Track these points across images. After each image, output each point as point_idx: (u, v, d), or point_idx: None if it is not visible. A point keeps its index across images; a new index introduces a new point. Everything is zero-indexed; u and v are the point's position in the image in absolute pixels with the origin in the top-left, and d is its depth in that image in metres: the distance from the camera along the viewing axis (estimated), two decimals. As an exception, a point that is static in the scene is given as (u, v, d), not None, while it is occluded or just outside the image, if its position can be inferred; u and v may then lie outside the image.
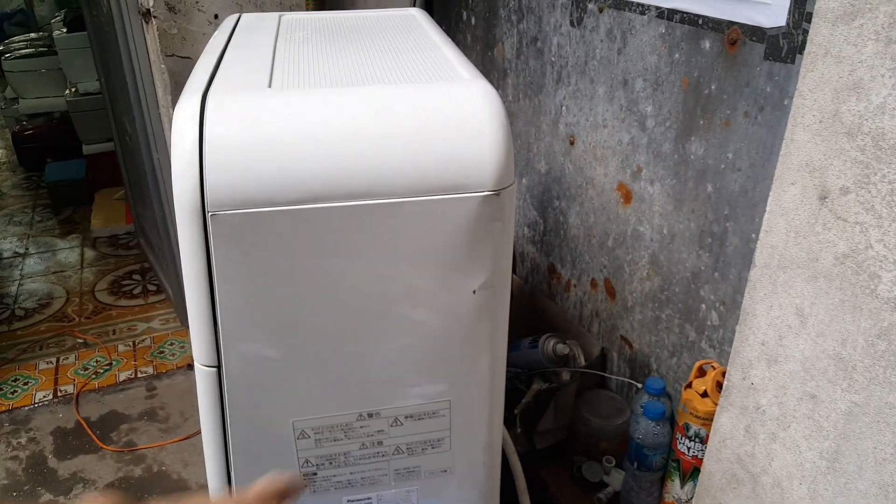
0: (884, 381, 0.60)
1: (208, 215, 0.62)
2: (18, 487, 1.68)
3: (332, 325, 0.70)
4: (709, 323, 1.06)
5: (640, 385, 1.24)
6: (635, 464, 1.12)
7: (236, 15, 1.01)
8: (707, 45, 0.97)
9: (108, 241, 2.91)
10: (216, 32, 0.93)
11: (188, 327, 2.25)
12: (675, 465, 1.08)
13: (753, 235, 0.94)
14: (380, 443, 0.78)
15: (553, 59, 1.37)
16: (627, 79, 1.16)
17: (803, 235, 0.66)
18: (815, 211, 0.64)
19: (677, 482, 1.09)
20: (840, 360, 0.64)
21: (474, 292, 0.71)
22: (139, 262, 2.73)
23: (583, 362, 1.29)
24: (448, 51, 0.85)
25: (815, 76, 0.61)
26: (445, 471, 0.82)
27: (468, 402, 0.78)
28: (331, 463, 0.79)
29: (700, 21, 0.98)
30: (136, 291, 2.53)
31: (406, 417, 0.77)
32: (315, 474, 0.79)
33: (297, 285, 0.67)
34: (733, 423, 0.79)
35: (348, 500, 0.82)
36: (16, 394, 1.99)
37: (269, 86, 0.68)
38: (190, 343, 2.13)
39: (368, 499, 0.82)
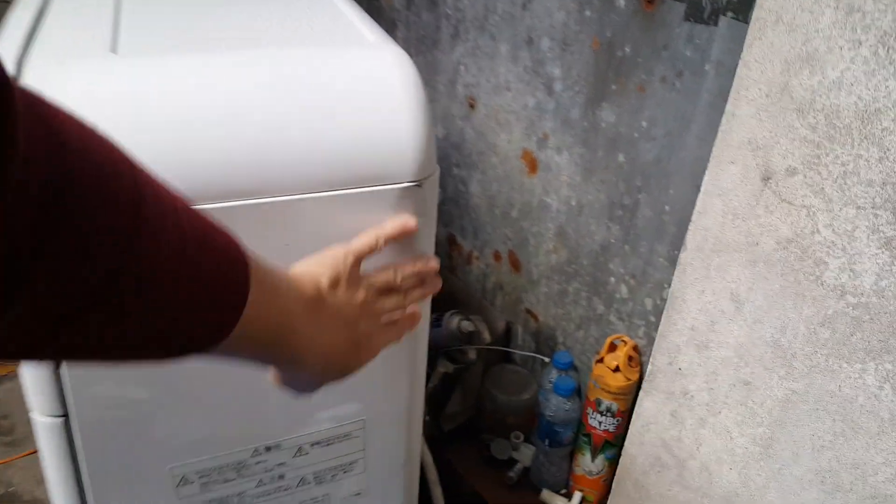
0: (825, 369, 0.58)
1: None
2: None
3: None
4: (618, 296, 1.03)
5: (546, 359, 1.21)
6: (546, 441, 1.10)
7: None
8: (622, 2, 0.91)
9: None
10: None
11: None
12: (585, 439, 1.07)
13: (667, 207, 0.91)
14: (281, 476, 0.68)
15: (449, 11, 1.27)
16: (533, 37, 1.09)
17: (742, 218, 0.62)
18: (757, 192, 0.60)
19: (588, 456, 1.08)
20: (778, 347, 0.62)
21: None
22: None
23: (488, 338, 1.24)
24: (345, 6, 0.73)
25: (763, 45, 0.57)
26: (359, 493, 0.74)
27: (385, 419, 0.69)
28: (223, 504, 0.67)
29: (612, -23, 0.92)
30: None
31: (312, 445, 0.67)
32: (205, 517, 0.67)
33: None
34: (658, 408, 0.77)
35: (248, 537, 0.72)
36: None
37: (114, 51, 0.53)
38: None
39: (271, 531, 0.72)
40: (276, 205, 0.52)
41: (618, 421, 1.02)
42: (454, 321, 1.22)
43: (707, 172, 0.64)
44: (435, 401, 1.20)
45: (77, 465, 0.59)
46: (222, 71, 0.52)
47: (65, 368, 0.53)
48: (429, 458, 1.03)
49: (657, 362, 0.75)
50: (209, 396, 0.60)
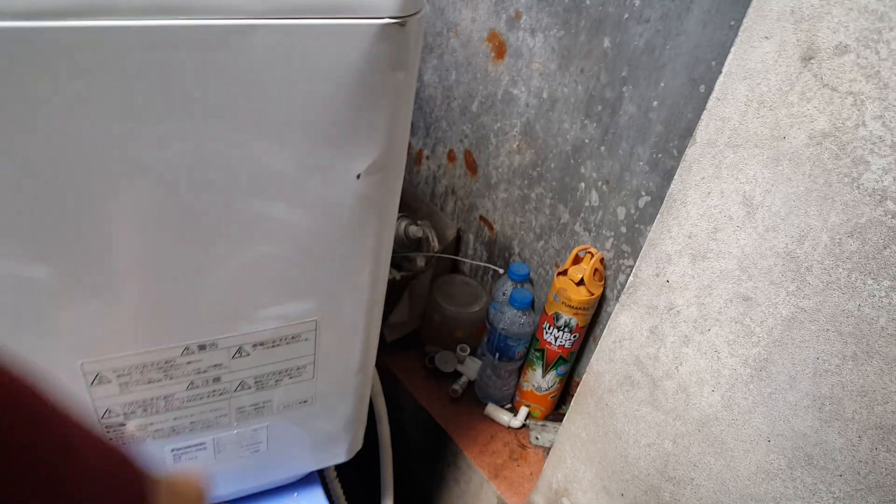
0: (846, 285, 0.51)
1: None
2: None
3: (137, 228, 0.45)
4: (587, 204, 0.95)
5: (500, 270, 1.13)
6: (496, 354, 1.03)
7: None
8: None
9: None
10: None
11: None
12: (538, 354, 1.00)
13: (655, 104, 0.81)
14: (217, 379, 0.57)
15: None
16: None
17: (770, 106, 0.53)
18: (794, 75, 0.51)
19: (539, 371, 1.02)
20: (791, 259, 0.54)
21: (358, 177, 0.49)
22: None
23: (437, 246, 1.14)
24: None
25: None
26: (306, 401, 0.64)
27: (341, 321, 0.59)
28: (145, 410, 0.56)
29: None
30: None
31: (255, 346, 0.56)
32: (123, 425, 0.56)
33: (71, 158, 0.40)
34: (635, 323, 0.70)
35: (173, 449, 0.61)
36: None
37: None
38: None
39: (202, 444, 0.62)
40: (218, 30, 0.39)
41: (575, 337, 0.96)
42: (401, 225, 1.12)
43: (732, 50, 0.54)
44: (378, 309, 1.11)
45: None
46: None
47: None
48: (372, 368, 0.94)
49: (641, 273, 0.67)
50: (127, 281, 0.48)
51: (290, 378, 0.60)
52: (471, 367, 1.13)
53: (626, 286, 0.70)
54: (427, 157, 1.23)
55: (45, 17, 0.35)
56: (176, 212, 0.45)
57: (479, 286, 1.16)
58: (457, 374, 1.13)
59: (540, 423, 1.08)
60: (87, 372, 0.51)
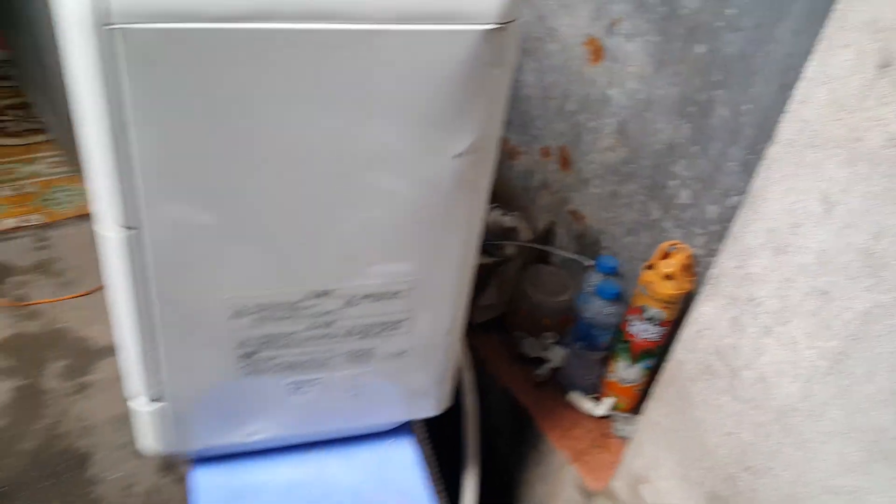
0: (921, 281, 0.54)
1: (111, 30, 0.43)
2: None
3: (279, 188, 0.55)
4: (677, 201, 0.98)
5: (589, 262, 1.17)
6: (581, 343, 1.08)
7: None
8: None
9: (-31, 71, 2.47)
10: None
11: (80, 172, 1.97)
12: (623, 346, 1.04)
13: (746, 107, 0.84)
14: (330, 324, 0.67)
15: None
16: None
17: (848, 110, 0.56)
18: (871, 81, 0.54)
19: (624, 363, 1.06)
20: (869, 255, 0.57)
21: (457, 157, 0.57)
22: (17, 95, 2.34)
23: (528, 236, 1.20)
24: None
25: None
26: (402, 353, 0.73)
27: (435, 283, 0.67)
28: (272, 344, 0.67)
29: None
30: (15, 129, 2.19)
31: (362, 298, 0.66)
32: (254, 355, 0.67)
33: (235, 131, 0.51)
34: (718, 314, 0.73)
35: (291, 382, 0.71)
36: None
37: None
38: (83, 190, 1.88)
39: (314, 380, 0.72)
40: (351, 34, 0.48)
41: (662, 331, 1.00)
42: (494, 215, 1.19)
43: (814, 57, 0.57)
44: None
45: (143, 280, 0.59)
46: None
47: (139, 181, 0.51)
48: (463, 343, 1.02)
49: (724, 266, 0.71)
50: (272, 232, 0.59)
51: (389, 330, 0.69)
52: (556, 355, 1.18)
53: (709, 277, 0.73)
54: (522, 154, 1.29)
55: (236, 20, 0.45)
56: (313, 177, 0.55)
57: (568, 277, 1.21)
58: (541, 361, 1.19)
59: (624, 414, 1.12)
60: (230, 306, 0.62)
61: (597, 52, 1.05)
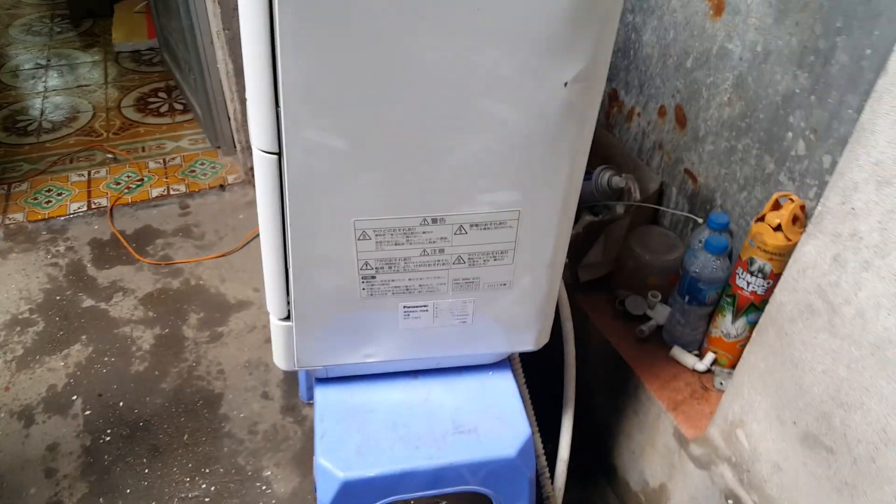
0: None
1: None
2: (61, 292, 1.72)
3: (405, 114, 0.62)
4: (793, 153, 0.97)
5: (699, 220, 1.18)
6: (686, 298, 1.09)
7: None
8: None
9: (130, 57, 2.79)
10: None
11: (218, 147, 2.18)
12: (729, 300, 1.05)
13: (868, 52, 0.82)
14: (441, 250, 0.74)
15: None
16: None
17: (963, 31, 0.55)
18: None
19: (729, 317, 1.06)
20: (979, 178, 0.56)
21: (566, 85, 0.62)
22: (164, 79, 2.62)
23: (638, 197, 1.22)
24: None
25: None
26: (505, 284, 0.79)
27: (538, 215, 0.73)
28: (390, 267, 0.75)
29: None
30: (162, 109, 2.45)
31: (471, 226, 0.72)
32: (374, 277, 0.76)
33: (369, 60, 0.58)
34: (819, 252, 0.74)
35: (405, 307, 0.80)
36: (50, 203, 1.98)
37: None
38: (221, 165, 2.08)
39: (425, 306, 0.80)
40: None
41: (768, 284, 0.99)
42: (605, 176, 1.21)
43: (929, -19, 0.57)
44: (575, 247, 1.22)
45: (283, 203, 0.68)
46: None
47: (282, 109, 0.60)
48: (564, 295, 1.06)
49: (829, 203, 0.71)
50: (394, 158, 0.66)
51: (495, 260, 0.75)
52: (660, 313, 1.19)
53: (814, 216, 0.74)
54: (638, 115, 1.31)
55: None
56: (431, 103, 0.62)
57: (677, 238, 1.22)
58: (645, 318, 1.21)
59: (726, 370, 1.12)
60: (357, 228, 0.71)
61: (718, 5, 1.06)
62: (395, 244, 0.73)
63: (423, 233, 0.72)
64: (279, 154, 0.64)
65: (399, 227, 0.72)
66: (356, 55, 0.58)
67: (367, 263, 0.74)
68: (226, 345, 1.59)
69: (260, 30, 0.56)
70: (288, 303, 0.78)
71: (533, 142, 0.66)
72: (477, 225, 0.72)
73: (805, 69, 0.92)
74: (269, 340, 1.64)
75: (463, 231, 0.73)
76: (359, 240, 0.72)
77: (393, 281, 0.76)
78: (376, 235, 0.72)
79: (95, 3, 3.03)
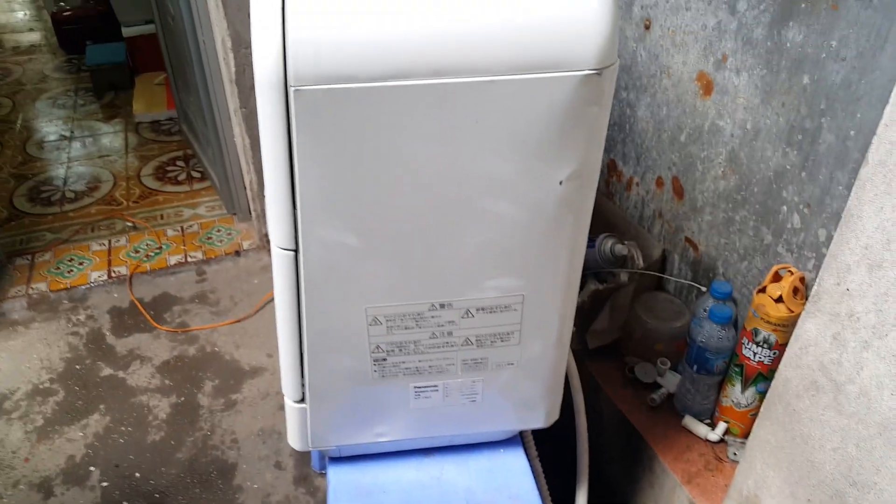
0: None
1: (290, 90, 0.57)
2: (80, 361, 1.75)
3: (412, 213, 0.66)
4: (789, 226, 1.00)
5: (703, 288, 1.20)
6: (695, 367, 1.11)
7: None
8: (819, -86, 0.86)
9: (150, 127, 2.89)
10: None
11: (234, 214, 2.25)
12: (737, 369, 1.06)
13: (852, 133, 0.86)
14: (450, 333, 0.77)
15: (632, -68, 1.24)
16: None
17: (936, 130, 0.59)
18: (956, 101, 0.57)
19: (738, 386, 1.07)
20: (961, 267, 0.59)
21: (561, 183, 0.66)
22: (182, 148, 2.72)
23: (641, 264, 1.25)
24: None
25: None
26: (512, 364, 0.81)
27: (542, 297, 0.76)
28: (401, 350, 0.78)
29: None
30: (180, 178, 2.54)
31: (478, 310, 0.75)
32: (385, 360, 0.79)
33: (379, 167, 0.63)
34: (819, 330, 0.76)
35: (415, 387, 0.82)
36: (72, 273, 2.04)
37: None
38: (237, 231, 2.14)
39: (435, 386, 0.82)
40: (472, 84, 0.59)
41: (774, 354, 1.01)
42: (608, 244, 1.24)
43: (901, 82, 0.61)
44: (582, 316, 1.25)
45: (299, 294, 0.72)
46: None
47: (299, 211, 0.65)
48: (573, 365, 1.08)
49: (824, 283, 0.74)
50: (403, 250, 0.70)
51: (502, 341, 0.78)
52: (670, 381, 1.21)
53: (811, 295, 0.76)
54: (637, 184, 1.35)
55: (381, 80, 0.58)
56: (436, 203, 0.66)
57: (682, 304, 1.25)
58: (656, 386, 1.22)
59: (739, 440, 1.13)
60: (368, 315, 0.74)
61: (707, 86, 1.11)
62: (406, 328, 0.76)
63: (432, 317, 0.75)
64: (296, 250, 0.68)
65: (409, 313, 0.75)
66: (366, 163, 0.62)
67: (378, 347, 0.77)
68: (240, 413, 1.62)
69: (279, 146, 0.61)
70: (302, 385, 0.81)
71: (533, 233, 0.70)
72: (483, 308, 0.76)
73: (794, 147, 0.96)
74: (282, 408, 1.66)
75: (470, 315, 0.76)
76: (370, 325, 0.75)
77: (403, 363, 0.79)
78: (387, 321, 0.75)
79: (117, 76, 3.17)
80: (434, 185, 0.65)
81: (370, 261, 0.70)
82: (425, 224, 0.68)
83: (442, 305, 0.75)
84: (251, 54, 1.63)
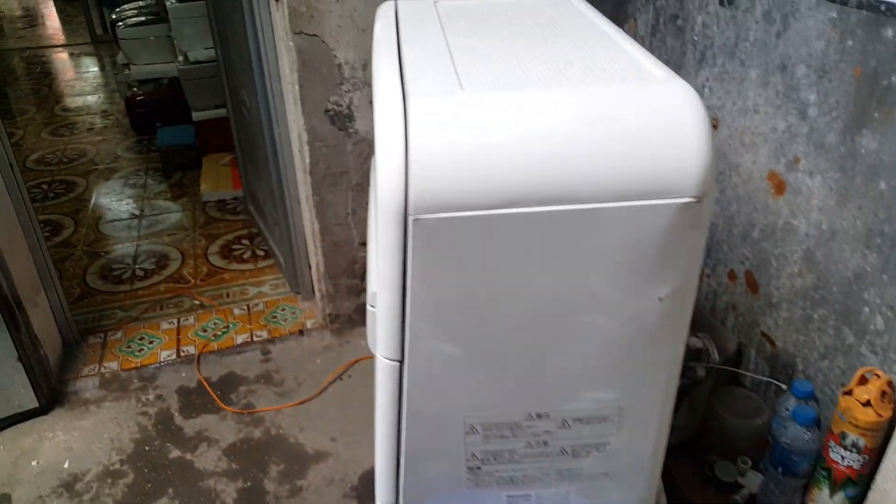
0: None
1: (410, 219, 0.62)
2: (149, 442, 1.79)
3: (516, 328, 0.70)
4: (872, 328, 1.00)
5: (783, 386, 1.19)
6: (779, 468, 1.09)
7: (388, 4, 0.99)
8: (890, 33, 0.89)
9: (216, 206, 3.03)
10: (377, 24, 0.92)
11: (298, 293, 2.30)
12: (824, 473, 1.04)
13: (939, 240, 0.87)
14: (545, 443, 0.79)
15: (696, 38, 1.30)
16: (787, 64, 1.09)
17: None
18: None
19: (826, 491, 1.05)
20: None
21: (660, 300, 0.68)
22: (247, 226, 2.83)
23: (717, 358, 1.25)
24: (625, 42, 0.81)
25: None
26: (607, 474, 0.82)
27: (639, 409, 0.77)
28: (496, 459, 0.79)
29: (883, 7, 0.90)
30: (245, 256, 2.63)
31: (574, 420, 0.77)
32: (480, 468, 0.80)
33: (486, 286, 0.66)
34: (921, 445, 0.75)
35: (508, 496, 0.83)
36: (143, 352, 2.11)
37: (461, 88, 0.67)
38: (300, 310, 2.18)
39: (528, 495, 0.83)
40: (581, 212, 0.63)
41: (864, 459, 0.99)
42: (683, 337, 1.25)
43: None
44: (661, 412, 1.24)
45: (401, 401, 0.75)
46: (544, 104, 0.64)
47: (408, 323, 0.68)
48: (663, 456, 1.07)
49: (923, 398, 0.73)
50: (504, 362, 0.73)
51: (598, 451, 0.79)
52: (752, 480, 1.18)
53: (909, 409, 0.76)
54: (707, 276, 1.36)
55: (494, 208, 0.62)
56: (539, 318, 0.69)
57: (761, 400, 1.23)
58: (737, 486, 1.19)
59: (826, 544, 1.09)
60: (466, 423, 0.76)
61: (779, 185, 1.13)
62: (502, 437, 0.78)
63: (529, 427, 0.77)
64: (401, 361, 0.71)
65: (506, 422, 0.77)
66: (474, 282, 0.66)
67: (473, 455, 0.79)
68: (305, 500, 1.62)
69: (396, 267, 0.65)
70: (396, 491, 0.83)
71: (631, 347, 0.72)
72: (580, 419, 0.77)
73: (873, 249, 0.97)
74: (346, 496, 1.66)
75: (566, 425, 0.77)
76: (467, 434, 0.77)
77: (498, 471, 0.81)
78: (484, 430, 0.77)
79: (185, 157, 3.34)
80: (537, 302, 0.68)
81: (472, 371, 0.72)
82: (527, 337, 0.70)
83: (539, 415, 0.76)
84: (325, 147, 1.73)
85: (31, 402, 1.84)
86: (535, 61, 0.75)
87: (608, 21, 0.93)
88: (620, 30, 0.89)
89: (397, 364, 0.72)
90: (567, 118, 0.63)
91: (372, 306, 0.77)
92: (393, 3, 1.00)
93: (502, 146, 0.62)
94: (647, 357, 0.73)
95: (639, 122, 0.64)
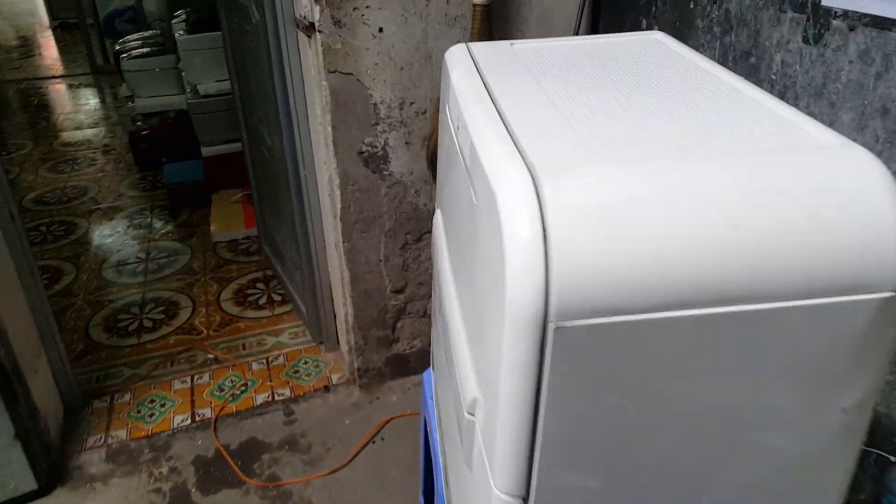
0: None
1: (551, 327, 0.49)
2: (166, 522, 1.64)
3: (670, 455, 0.57)
4: None
5: (891, 458, 1.06)
6: (906, 563, 0.95)
7: (460, 48, 0.87)
8: None
9: (227, 246, 2.89)
10: (453, 71, 0.80)
11: (321, 343, 2.14)
12: (963, 571, 0.91)
13: None
14: None
15: (774, 77, 1.19)
16: (889, 107, 0.98)
17: None
18: None
19: (965, 591, 0.91)
20: None
21: (844, 411, 0.56)
22: (261, 268, 2.69)
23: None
24: (749, 90, 0.70)
25: None
26: None
27: None
28: None
29: None
30: (261, 301, 2.49)
31: None
32: None
33: (638, 404, 0.54)
34: None
35: None
36: (153, 417, 1.95)
37: (593, 158, 0.55)
38: (324, 363, 2.02)
39: None
40: (758, 312, 0.51)
41: None
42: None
43: None
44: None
45: None
46: (705, 181, 0.53)
47: (537, 455, 0.55)
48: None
49: None
50: (653, 492, 0.60)
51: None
52: (861, 568, 1.05)
53: None
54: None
55: (656, 311, 0.49)
56: (698, 439, 0.56)
57: (861, 473, 1.10)
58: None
59: None
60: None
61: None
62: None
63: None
64: (525, 498, 0.58)
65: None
66: (623, 400, 0.53)
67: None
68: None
69: (528, 384, 0.52)
70: None
71: (802, 465, 0.59)
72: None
73: None
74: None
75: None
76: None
77: None
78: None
79: (193, 194, 3.21)
80: (698, 420, 0.55)
81: None
82: (682, 463, 0.57)
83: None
84: (358, 191, 1.61)
85: (30, 484, 1.64)
86: (655, 117, 0.63)
87: (713, 62, 0.81)
88: (733, 73, 0.77)
89: (520, 501, 0.58)
90: (744, 200, 0.51)
91: (471, 414, 0.64)
92: (464, 45, 0.88)
93: (668, 236, 0.49)
94: (819, 477, 0.60)
95: (825, 202, 0.51)
